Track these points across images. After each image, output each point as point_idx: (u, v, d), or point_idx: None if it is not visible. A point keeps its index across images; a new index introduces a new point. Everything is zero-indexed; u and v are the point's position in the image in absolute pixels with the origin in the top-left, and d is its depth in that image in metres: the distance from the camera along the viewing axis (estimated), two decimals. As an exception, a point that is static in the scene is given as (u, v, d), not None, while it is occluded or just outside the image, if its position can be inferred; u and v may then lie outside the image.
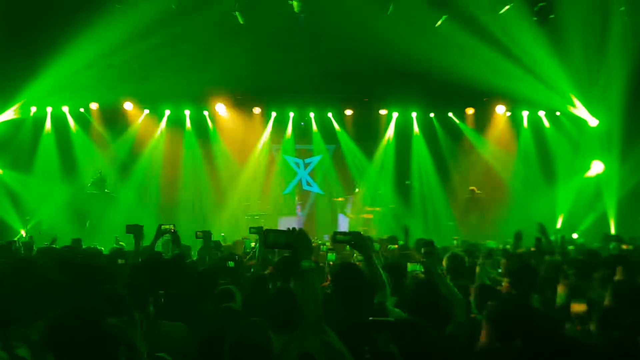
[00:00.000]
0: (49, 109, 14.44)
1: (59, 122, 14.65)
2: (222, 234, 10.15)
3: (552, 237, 8.73)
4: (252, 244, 7.65)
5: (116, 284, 3.59)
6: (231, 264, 5.49)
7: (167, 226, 6.19)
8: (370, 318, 2.92)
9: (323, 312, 2.85)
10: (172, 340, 3.62)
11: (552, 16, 11.86)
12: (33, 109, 14.06)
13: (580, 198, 14.44)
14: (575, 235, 12.80)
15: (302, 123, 15.91)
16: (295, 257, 2.94)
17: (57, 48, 12.00)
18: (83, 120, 14.82)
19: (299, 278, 2.87)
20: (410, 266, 4.74)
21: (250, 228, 6.65)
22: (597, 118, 14.50)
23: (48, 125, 14.54)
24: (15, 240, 9.79)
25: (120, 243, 9.60)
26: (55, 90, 13.30)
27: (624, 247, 8.30)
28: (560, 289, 4.49)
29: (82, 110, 14.71)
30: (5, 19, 11.53)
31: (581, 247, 8.45)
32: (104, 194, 13.77)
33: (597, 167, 14.47)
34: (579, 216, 14.16)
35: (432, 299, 3.58)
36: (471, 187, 14.63)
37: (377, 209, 14.67)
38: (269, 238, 2.99)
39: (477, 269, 5.58)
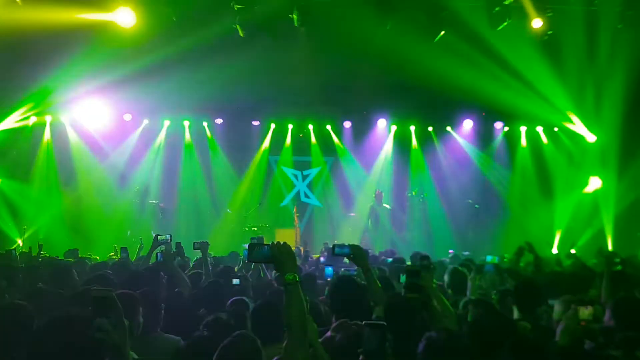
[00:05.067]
0: (48, 118, 14.46)
1: (58, 132, 14.67)
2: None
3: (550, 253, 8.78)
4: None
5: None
6: (236, 281, 5.45)
7: (163, 237, 6.20)
8: (364, 322, 2.95)
9: (307, 324, 2.85)
10: (166, 354, 3.63)
11: (550, 32, 11.96)
12: (33, 119, 14.07)
13: (578, 214, 14.45)
14: (573, 251, 12.79)
15: (301, 135, 15.96)
16: (278, 270, 2.94)
17: (58, 59, 12.05)
18: (82, 130, 14.83)
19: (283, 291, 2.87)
20: (402, 277, 4.73)
21: (251, 238, 6.68)
22: (594, 134, 14.56)
23: (47, 134, 14.55)
24: (14, 249, 9.77)
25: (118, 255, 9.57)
26: (55, 100, 13.34)
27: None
28: (558, 307, 4.47)
29: (82, 120, 14.72)
30: (9, 29, 11.59)
31: (577, 262, 8.44)
32: (148, 204, 14.01)
33: (594, 183, 14.50)
34: (576, 232, 14.16)
35: (405, 314, 3.56)
36: (469, 200, 14.64)
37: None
38: (251, 252, 2.98)
39: (469, 284, 5.60)
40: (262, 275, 6.60)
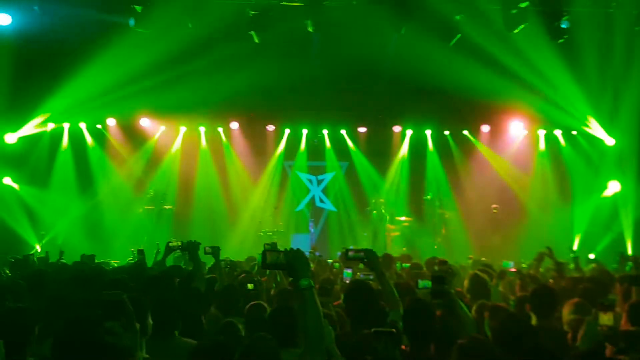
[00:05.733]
0: (66, 125, 14.63)
1: (76, 138, 14.83)
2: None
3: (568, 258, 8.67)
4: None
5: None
6: (251, 286, 5.44)
7: (175, 243, 6.22)
8: (372, 329, 2.94)
9: (323, 329, 2.85)
10: (183, 357, 3.63)
11: (566, 36, 11.84)
12: (51, 125, 14.25)
13: (597, 218, 14.26)
14: (592, 256, 12.61)
15: (315, 140, 15.96)
16: (293, 276, 2.95)
17: (76, 66, 12.21)
18: (100, 137, 14.99)
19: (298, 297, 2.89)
20: (421, 283, 4.68)
21: (265, 244, 6.68)
22: (613, 137, 14.36)
23: (65, 141, 14.72)
24: (32, 254, 9.88)
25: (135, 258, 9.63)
26: (73, 106, 13.50)
27: None
28: (566, 309, 4.41)
29: (99, 126, 14.89)
30: (27, 37, 11.78)
31: (598, 267, 8.32)
32: (162, 210, 14.13)
33: (613, 187, 14.30)
34: (595, 236, 13.97)
35: (425, 320, 3.52)
36: (494, 206, 14.58)
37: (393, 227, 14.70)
38: (267, 258, 2.99)
39: (491, 290, 5.53)
40: (278, 279, 6.58)
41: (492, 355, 2.82)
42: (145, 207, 14.35)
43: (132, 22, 11.26)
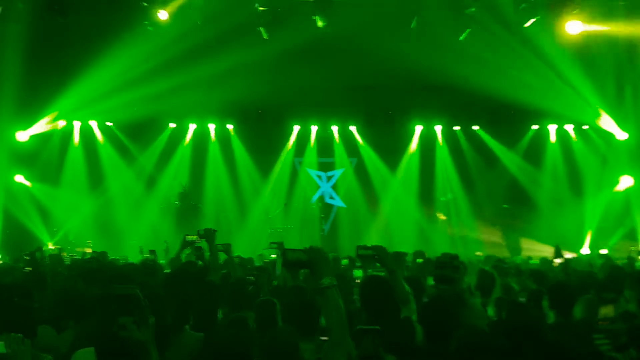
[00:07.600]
0: (76, 123, 14.72)
1: (87, 136, 14.93)
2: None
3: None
4: (273, 256, 7.68)
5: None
6: (252, 278, 5.47)
7: (191, 237, 6.22)
8: (358, 327, 2.96)
9: (347, 326, 2.87)
10: (191, 350, 3.65)
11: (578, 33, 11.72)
12: (62, 123, 14.34)
13: (609, 213, 14.15)
14: (604, 251, 12.52)
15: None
16: (314, 274, 2.97)
17: (87, 64, 12.27)
18: (110, 134, 15.07)
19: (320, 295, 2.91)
20: (430, 279, 4.67)
21: (270, 243, 6.68)
22: (625, 132, 14.22)
23: (76, 138, 14.82)
24: (41, 249, 9.91)
25: (145, 255, 9.69)
26: (83, 104, 13.58)
27: None
28: (578, 305, 4.38)
29: (109, 124, 14.96)
30: (39, 35, 11.83)
31: (608, 262, 8.26)
32: (190, 206, 14.22)
33: (626, 182, 14.18)
34: (608, 231, 13.86)
35: (443, 314, 3.52)
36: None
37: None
38: (288, 256, 3.03)
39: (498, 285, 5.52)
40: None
41: (489, 344, 2.79)
42: (176, 202, 14.46)
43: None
